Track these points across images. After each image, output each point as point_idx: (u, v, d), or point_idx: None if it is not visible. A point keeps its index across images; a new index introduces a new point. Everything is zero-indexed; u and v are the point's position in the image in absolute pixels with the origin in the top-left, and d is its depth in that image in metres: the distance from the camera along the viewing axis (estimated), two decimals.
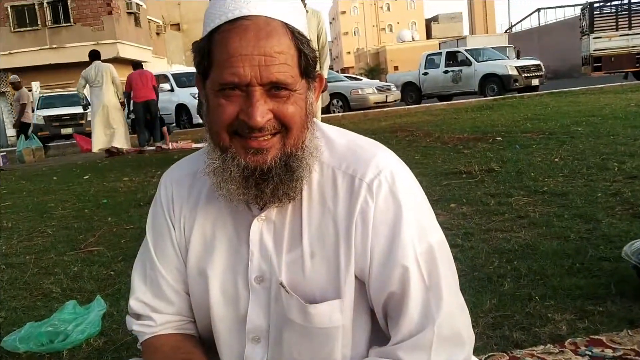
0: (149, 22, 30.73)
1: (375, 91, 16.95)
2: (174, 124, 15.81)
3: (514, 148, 6.33)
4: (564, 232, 3.06)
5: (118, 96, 10.57)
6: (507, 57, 19.57)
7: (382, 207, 1.01)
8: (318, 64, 1.04)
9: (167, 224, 1.14)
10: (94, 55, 10.44)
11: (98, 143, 10.49)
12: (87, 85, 10.37)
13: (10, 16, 25.07)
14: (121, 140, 10.57)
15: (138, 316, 1.17)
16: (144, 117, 11.12)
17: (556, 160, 5.31)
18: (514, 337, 1.92)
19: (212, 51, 0.96)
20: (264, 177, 0.98)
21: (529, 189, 4.21)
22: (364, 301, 1.07)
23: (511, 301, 2.23)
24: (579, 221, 3.24)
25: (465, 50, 18.90)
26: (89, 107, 10.78)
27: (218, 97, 0.96)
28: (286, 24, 0.95)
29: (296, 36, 0.96)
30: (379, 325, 1.09)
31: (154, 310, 1.15)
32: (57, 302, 2.72)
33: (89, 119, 17.77)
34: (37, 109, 18.43)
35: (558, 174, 4.62)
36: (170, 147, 11.13)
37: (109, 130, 10.39)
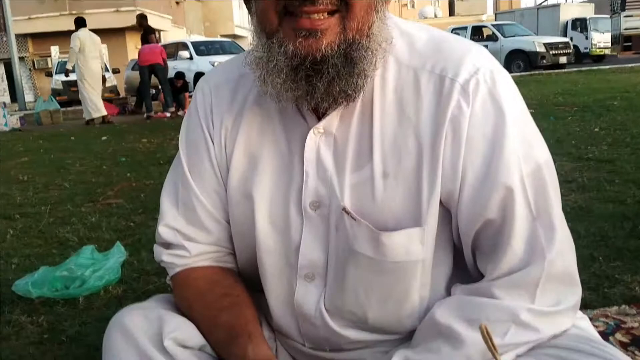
0: None
1: None
2: (192, 92, 15.66)
3: (549, 119, 6.06)
4: (618, 196, 2.83)
5: (103, 68, 10.38)
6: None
7: (479, 114, 0.80)
8: None
9: (205, 138, 0.94)
10: (82, 22, 9.98)
11: (102, 109, 10.16)
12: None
13: None
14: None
15: (168, 245, 0.97)
16: (149, 81, 10.99)
17: (596, 130, 5.05)
18: (582, 297, 1.71)
19: None
20: (316, 68, 0.77)
21: (572, 155, 3.96)
22: (447, 232, 0.86)
23: None
24: (632, 186, 3.00)
25: (492, 25, 18.43)
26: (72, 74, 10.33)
27: None
28: None
29: None
30: (462, 264, 0.88)
31: (188, 239, 0.95)
32: (74, 250, 2.55)
33: (107, 84, 17.74)
34: (56, 73, 18.34)
35: (601, 143, 4.37)
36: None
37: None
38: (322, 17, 0.75)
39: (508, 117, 0.80)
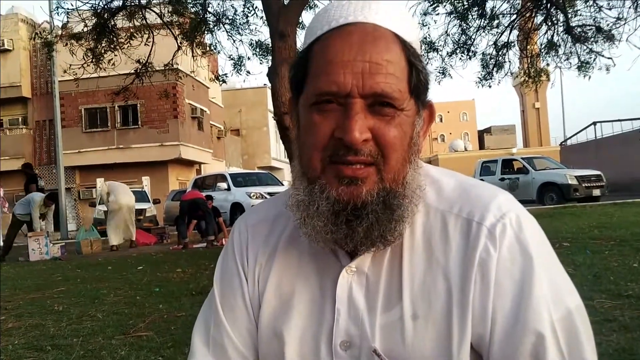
0: (211, 126, 32.19)
1: None
2: (228, 222, 15.99)
3: (585, 253, 5.94)
4: None
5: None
6: None
7: (507, 258, 0.82)
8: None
9: (239, 274, 0.97)
10: None
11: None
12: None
13: (82, 117, 26.83)
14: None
15: None
16: (188, 214, 11.51)
17: (635, 265, 4.92)
18: None
19: (309, 62, 0.84)
20: (356, 214, 0.81)
21: (611, 292, 3.84)
22: None
23: None
24: None
25: (522, 158, 18.74)
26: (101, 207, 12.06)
27: (312, 113, 0.82)
28: (396, 34, 0.83)
29: (407, 47, 0.83)
30: None
31: None
32: None
33: (147, 214, 18.46)
34: (99, 204, 19.13)
35: None
36: (225, 243, 11.13)
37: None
38: (362, 167, 0.82)
39: (536, 262, 0.82)
